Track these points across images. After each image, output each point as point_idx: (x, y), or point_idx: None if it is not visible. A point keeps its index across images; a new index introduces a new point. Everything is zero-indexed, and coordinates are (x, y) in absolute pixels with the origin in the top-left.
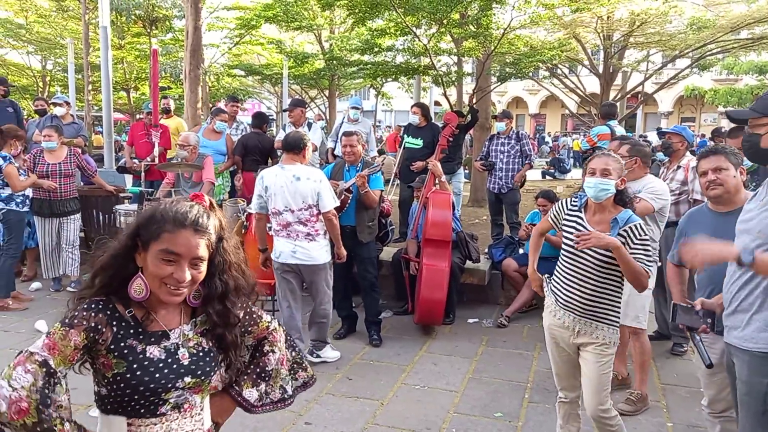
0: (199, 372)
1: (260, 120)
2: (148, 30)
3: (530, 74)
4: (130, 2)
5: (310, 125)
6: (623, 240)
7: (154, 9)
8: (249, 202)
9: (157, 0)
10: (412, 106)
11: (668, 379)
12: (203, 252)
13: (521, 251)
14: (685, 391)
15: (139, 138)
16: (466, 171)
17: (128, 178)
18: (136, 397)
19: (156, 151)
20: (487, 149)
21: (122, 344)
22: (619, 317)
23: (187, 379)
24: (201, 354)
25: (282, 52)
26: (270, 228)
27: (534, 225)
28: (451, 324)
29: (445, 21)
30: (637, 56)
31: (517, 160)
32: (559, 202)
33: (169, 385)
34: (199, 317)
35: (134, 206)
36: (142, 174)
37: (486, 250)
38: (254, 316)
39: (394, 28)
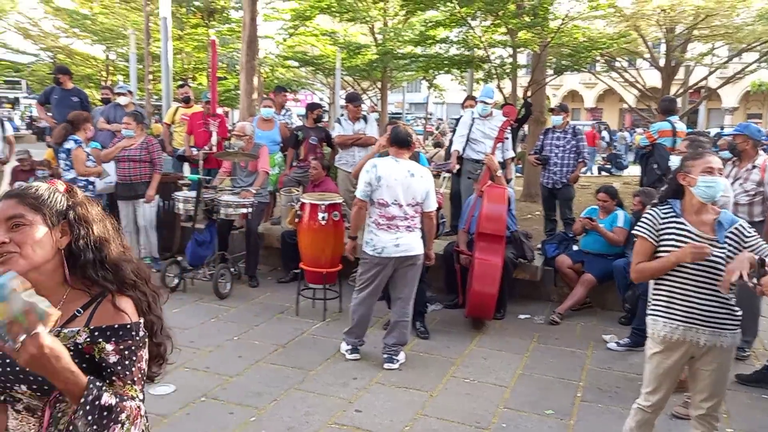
0: (34, 386)
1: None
2: (206, 21)
3: (587, 67)
4: None
5: (365, 118)
6: (734, 242)
7: (212, 0)
8: (304, 191)
9: None
10: (469, 98)
11: (729, 385)
12: (17, 211)
13: (575, 248)
14: (746, 396)
15: (198, 127)
16: (519, 165)
17: (186, 166)
18: None
19: (213, 139)
20: (541, 143)
21: None
22: (740, 319)
23: (24, 388)
24: None
25: (335, 44)
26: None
27: (591, 218)
28: (501, 319)
29: (501, 12)
30: (702, 49)
31: (572, 155)
32: (649, 217)
33: (8, 385)
34: (67, 329)
35: (192, 193)
36: (200, 162)
37: (539, 246)
38: (128, 373)
39: (448, 19)
